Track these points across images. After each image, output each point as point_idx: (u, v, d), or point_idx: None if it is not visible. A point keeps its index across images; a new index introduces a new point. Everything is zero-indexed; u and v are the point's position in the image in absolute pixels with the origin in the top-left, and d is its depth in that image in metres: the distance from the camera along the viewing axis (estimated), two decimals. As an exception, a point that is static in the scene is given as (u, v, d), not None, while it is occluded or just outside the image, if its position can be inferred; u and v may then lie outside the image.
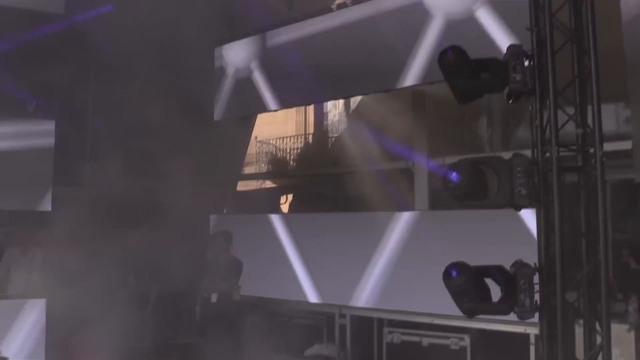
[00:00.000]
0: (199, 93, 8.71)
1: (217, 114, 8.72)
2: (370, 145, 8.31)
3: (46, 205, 7.41)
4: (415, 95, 7.33)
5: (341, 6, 7.18)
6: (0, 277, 6.93)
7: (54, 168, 7.49)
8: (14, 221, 7.15)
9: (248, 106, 8.68)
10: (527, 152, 3.67)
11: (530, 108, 3.74)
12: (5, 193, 7.18)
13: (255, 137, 12.18)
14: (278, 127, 12.92)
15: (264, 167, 12.80)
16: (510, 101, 3.82)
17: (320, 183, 10.31)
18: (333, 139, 12.23)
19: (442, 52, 3.67)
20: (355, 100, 10.86)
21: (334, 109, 12.90)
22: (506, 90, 3.69)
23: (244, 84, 8.31)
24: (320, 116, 13.15)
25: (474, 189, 3.53)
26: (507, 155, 3.65)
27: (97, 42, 7.88)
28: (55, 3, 7.47)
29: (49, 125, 7.58)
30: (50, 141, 7.54)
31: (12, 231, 7.19)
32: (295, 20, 7.76)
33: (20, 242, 7.04)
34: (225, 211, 9.47)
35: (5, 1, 7.26)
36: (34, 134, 7.53)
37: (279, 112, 9.24)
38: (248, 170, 12.07)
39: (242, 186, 10.91)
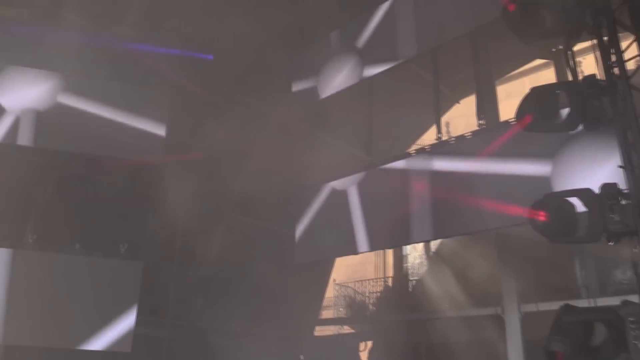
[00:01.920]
0: (281, 236, 8.87)
1: (299, 257, 8.76)
2: (455, 289, 7.96)
3: (126, 347, 7.52)
4: (500, 236, 7.08)
5: (419, 151, 7.35)
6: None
7: (137, 308, 7.72)
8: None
9: (328, 249, 8.70)
10: (631, 298, 3.33)
11: (634, 250, 3.48)
12: (87, 332, 7.43)
13: (334, 280, 12.03)
14: (356, 270, 12.73)
15: (342, 311, 12.43)
16: (611, 243, 3.58)
17: (401, 329, 9.80)
18: (414, 282, 11.83)
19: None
20: (435, 243, 10.64)
21: (414, 251, 12.64)
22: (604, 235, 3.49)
23: (326, 227, 8.41)
24: (399, 259, 12.88)
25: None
26: (605, 301, 3.32)
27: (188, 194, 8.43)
28: (154, 152, 8.26)
29: (137, 267, 7.97)
30: (137, 282, 7.87)
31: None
32: (374, 165, 7.98)
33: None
34: (302, 358, 9.13)
35: (103, 152, 8.11)
36: (122, 273, 7.91)
37: (357, 255, 9.17)
38: (326, 314, 11.76)
39: (319, 331, 10.58)
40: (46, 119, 8.13)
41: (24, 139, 8.07)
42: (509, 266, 7.01)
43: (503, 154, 6.26)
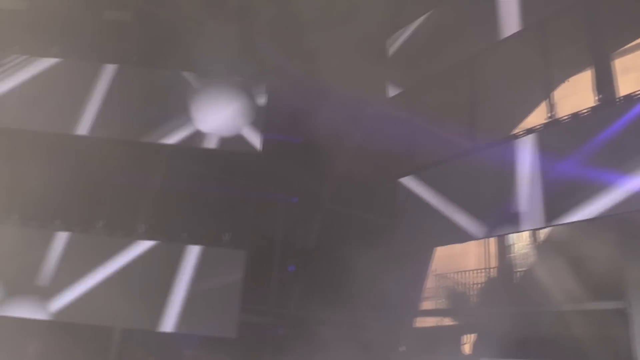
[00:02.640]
0: (381, 226, 8.72)
1: (398, 247, 8.56)
2: (569, 281, 7.40)
3: (231, 332, 7.74)
4: (624, 221, 6.46)
5: (530, 131, 6.86)
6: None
7: (241, 296, 7.91)
8: (204, 345, 7.42)
9: (429, 239, 8.42)
10: None
11: None
12: (195, 318, 7.70)
13: (434, 271, 11.70)
14: (457, 261, 12.31)
15: (442, 303, 12.07)
16: None
17: (507, 322, 9.31)
18: (520, 273, 11.22)
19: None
20: (545, 231, 10.01)
21: (519, 240, 12.01)
22: None
23: (427, 215, 8.14)
24: (503, 249, 12.29)
25: None
26: None
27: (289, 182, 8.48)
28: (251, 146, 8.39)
29: (240, 255, 8.16)
30: (240, 270, 8.06)
31: (199, 355, 7.48)
32: (478, 148, 7.59)
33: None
34: (403, 348, 8.94)
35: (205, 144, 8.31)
36: (226, 262, 8.13)
37: (458, 244, 8.83)
38: (426, 305, 11.47)
39: (420, 322, 10.32)
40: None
41: (130, 134, 8.50)
42: (635, 255, 6.38)
43: (629, 130, 5.69)
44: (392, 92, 8.47)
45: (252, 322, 7.87)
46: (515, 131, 7.73)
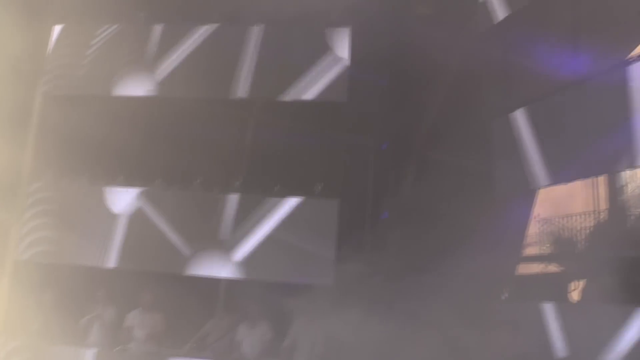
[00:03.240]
0: (478, 171, 8.36)
1: (498, 192, 8.18)
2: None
3: (328, 280, 7.84)
4: None
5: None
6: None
7: (335, 246, 7.99)
8: (303, 293, 7.60)
9: (530, 181, 7.96)
10: None
11: None
12: (291, 266, 7.90)
13: (537, 215, 11.12)
14: (562, 204, 11.60)
15: (547, 248, 11.50)
16: None
17: (620, 268, 8.69)
18: (634, 217, 10.38)
19: None
20: (663, 169, 9.12)
21: (632, 180, 11.08)
22: None
23: (526, 157, 7.68)
24: (614, 190, 11.41)
25: None
26: None
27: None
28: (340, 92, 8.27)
29: (333, 205, 8.20)
30: (333, 220, 8.11)
31: (298, 303, 7.67)
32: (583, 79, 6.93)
33: (306, 314, 7.42)
34: (506, 296, 8.65)
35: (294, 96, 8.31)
36: (319, 212, 8.19)
37: (562, 187, 8.28)
38: (530, 251, 10.98)
39: (523, 269, 9.90)
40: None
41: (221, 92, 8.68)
42: None
43: None
44: (484, 24, 7.92)
45: (347, 270, 7.91)
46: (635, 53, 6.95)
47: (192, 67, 8.72)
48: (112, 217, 8.42)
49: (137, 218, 8.37)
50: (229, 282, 8.25)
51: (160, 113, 8.53)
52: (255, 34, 8.66)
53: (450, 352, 6.74)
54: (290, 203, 8.25)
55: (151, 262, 8.22)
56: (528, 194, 9.01)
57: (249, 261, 8.11)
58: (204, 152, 8.54)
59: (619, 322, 6.52)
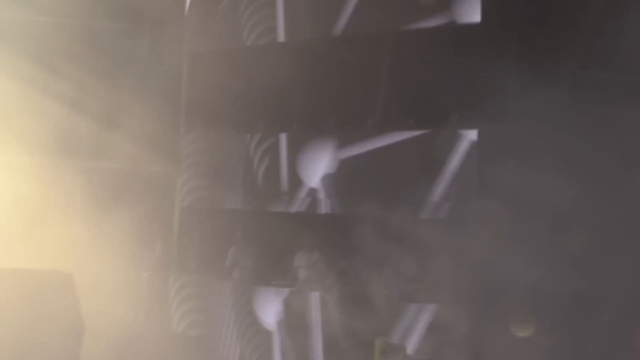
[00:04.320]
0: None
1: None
2: None
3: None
4: None
5: None
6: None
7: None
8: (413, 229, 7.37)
9: None
10: None
11: None
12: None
13: None
14: None
15: None
16: None
17: None
18: None
19: None
20: None
21: None
22: None
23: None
24: None
25: None
26: None
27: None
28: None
29: (471, 135, 7.70)
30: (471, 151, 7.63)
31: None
32: None
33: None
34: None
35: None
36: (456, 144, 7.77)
37: None
38: None
39: None
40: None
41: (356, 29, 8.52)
42: None
43: None
44: None
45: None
46: None
47: (320, 7, 8.67)
48: (252, 163, 8.90)
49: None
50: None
51: (292, 58, 8.65)
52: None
53: None
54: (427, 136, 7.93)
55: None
56: None
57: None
58: (336, 93, 8.54)
59: None
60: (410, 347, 7.39)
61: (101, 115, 9.00)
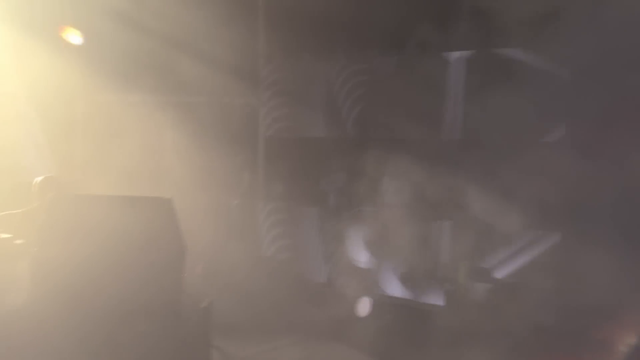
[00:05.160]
0: None
1: None
2: None
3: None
4: None
5: None
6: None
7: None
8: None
9: None
10: None
11: None
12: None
13: None
14: None
15: None
16: None
17: None
18: None
19: None
20: None
21: None
22: None
23: None
24: None
25: None
26: None
27: None
28: None
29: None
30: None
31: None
32: None
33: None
34: None
35: None
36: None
37: None
38: None
39: None
40: None
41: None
42: None
43: None
44: None
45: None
46: None
47: None
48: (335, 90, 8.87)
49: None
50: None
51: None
52: None
53: None
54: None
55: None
56: None
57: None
58: (419, 14, 8.21)
59: None
60: (498, 270, 7.39)
61: (185, 49, 9.17)
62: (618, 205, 6.26)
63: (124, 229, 4.91)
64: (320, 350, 7.20)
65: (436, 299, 7.80)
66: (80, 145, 9.49)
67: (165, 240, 5.02)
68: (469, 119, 7.80)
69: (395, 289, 8.27)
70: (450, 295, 7.49)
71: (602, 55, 6.37)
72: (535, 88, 7.04)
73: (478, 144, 7.61)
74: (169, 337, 5.09)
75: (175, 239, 5.09)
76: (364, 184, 8.44)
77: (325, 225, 8.81)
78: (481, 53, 7.82)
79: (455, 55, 7.94)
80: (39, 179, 6.22)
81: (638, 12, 6.19)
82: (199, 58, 9.08)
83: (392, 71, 8.50)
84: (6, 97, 8.81)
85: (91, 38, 8.92)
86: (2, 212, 6.12)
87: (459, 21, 8.07)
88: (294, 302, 8.13)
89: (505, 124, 7.19)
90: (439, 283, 7.78)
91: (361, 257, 8.46)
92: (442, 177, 7.74)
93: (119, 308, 4.84)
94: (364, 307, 8.00)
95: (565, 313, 6.30)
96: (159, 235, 5.05)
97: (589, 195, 6.32)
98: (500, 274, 7.36)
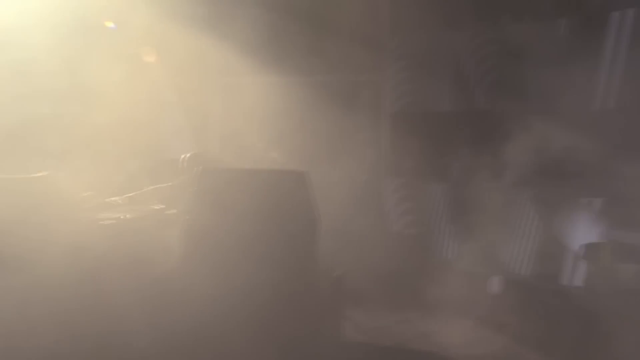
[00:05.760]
0: None
1: None
2: None
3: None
4: None
5: None
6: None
7: None
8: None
9: None
10: None
11: None
12: None
13: None
14: None
15: None
16: None
17: None
18: None
19: None
20: None
21: None
22: None
23: None
24: None
25: None
26: None
27: None
28: None
29: None
30: None
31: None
32: None
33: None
34: None
35: None
36: None
37: None
38: None
39: None
40: None
41: None
42: None
43: None
44: None
45: None
46: None
47: None
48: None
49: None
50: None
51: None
52: None
53: None
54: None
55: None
56: None
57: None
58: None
59: None
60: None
61: (305, 29, 9.30)
62: None
63: (264, 199, 5.19)
64: (450, 324, 7.13)
65: (575, 280, 7.36)
66: (217, 125, 10.08)
67: (300, 211, 5.25)
68: (619, 87, 7.18)
69: (528, 268, 7.93)
70: (591, 276, 7.03)
71: None
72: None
73: (627, 113, 7.00)
74: (303, 304, 5.32)
75: (309, 209, 5.29)
76: (495, 159, 8.14)
77: (453, 202, 8.64)
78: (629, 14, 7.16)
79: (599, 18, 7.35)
80: (187, 155, 6.76)
81: None
82: (326, 35, 9.20)
83: (526, 40, 8.03)
84: (153, 86, 9.53)
85: (226, 21, 9.33)
86: (152, 186, 6.71)
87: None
88: (421, 277, 8.10)
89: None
90: (579, 263, 7.33)
91: (492, 234, 8.20)
92: (580, 151, 7.25)
93: (259, 273, 5.15)
94: (494, 285, 7.77)
95: None
96: (294, 205, 5.28)
97: None
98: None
